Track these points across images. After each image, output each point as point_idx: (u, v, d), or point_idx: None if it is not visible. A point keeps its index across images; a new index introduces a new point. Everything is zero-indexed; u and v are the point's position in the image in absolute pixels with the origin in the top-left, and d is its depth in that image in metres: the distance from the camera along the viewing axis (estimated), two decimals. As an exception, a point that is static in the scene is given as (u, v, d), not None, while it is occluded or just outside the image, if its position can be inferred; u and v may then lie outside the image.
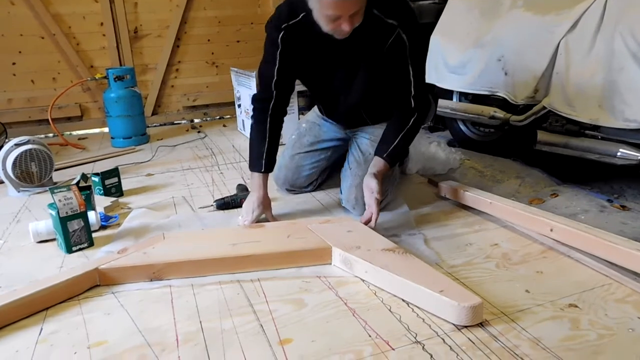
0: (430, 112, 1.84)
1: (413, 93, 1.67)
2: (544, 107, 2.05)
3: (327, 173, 2.12)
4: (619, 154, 1.85)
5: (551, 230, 1.52)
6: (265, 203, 1.75)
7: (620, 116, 1.76)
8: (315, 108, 2.10)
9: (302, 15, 1.60)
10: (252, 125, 1.79)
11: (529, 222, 1.61)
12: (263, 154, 1.74)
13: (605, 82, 1.79)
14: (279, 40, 1.65)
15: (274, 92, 1.73)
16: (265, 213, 1.76)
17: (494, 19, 2.29)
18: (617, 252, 1.36)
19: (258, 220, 1.74)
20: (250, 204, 1.74)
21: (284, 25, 1.64)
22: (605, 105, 1.81)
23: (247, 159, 1.82)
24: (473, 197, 1.81)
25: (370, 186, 1.63)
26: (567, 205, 1.88)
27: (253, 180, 1.77)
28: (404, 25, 1.59)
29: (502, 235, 1.62)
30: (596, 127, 1.94)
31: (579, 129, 2.00)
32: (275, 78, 1.71)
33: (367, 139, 1.88)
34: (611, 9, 1.80)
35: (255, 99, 1.79)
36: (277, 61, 1.68)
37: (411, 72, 1.65)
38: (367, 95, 1.78)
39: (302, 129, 2.07)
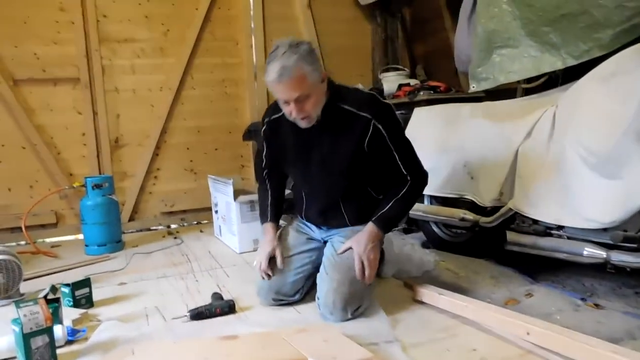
0: (425, 181, 1.92)
1: (405, 173, 1.81)
2: (511, 209, 2.14)
3: (312, 282, 2.00)
4: (585, 252, 1.90)
5: (528, 333, 1.52)
6: (274, 242, 1.95)
7: (581, 216, 1.85)
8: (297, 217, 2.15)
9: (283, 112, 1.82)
10: (258, 191, 2.13)
11: (505, 326, 1.61)
12: (268, 206, 2.03)
13: (562, 185, 1.90)
14: (262, 132, 1.98)
15: (265, 171, 2.08)
16: (276, 250, 1.92)
17: (456, 127, 2.46)
18: (594, 356, 1.36)
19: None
20: (261, 245, 1.98)
21: (266, 120, 1.95)
22: (566, 207, 1.90)
23: (222, 265, 1.85)
24: (449, 300, 1.81)
25: (355, 247, 1.77)
26: (543, 305, 1.90)
27: (263, 230, 2.03)
28: (377, 115, 1.73)
29: (480, 339, 1.61)
30: (561, 227, 2.02)
31: (545, 229, 2.07)
32: (264, 161, 2.06)
33: (343, 242, 1.88)
34: (560, 119, 1.97)
35: (258, 169, 2.16)
36: (265, 148, 2.02)
37: (397, 157, 1.78)
38: (347, 187, 1.88)
39: (283, 233, 2.06)
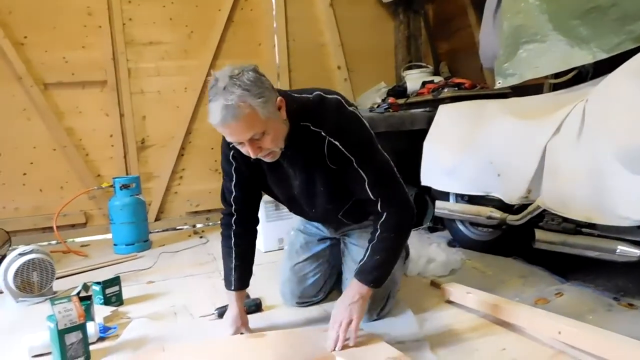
0: (408, 214, 1.57)
1: (374, 198, 1.53)
2: (539, 207, 2.10)
3: (335, 278, 2.01)
4: (617, 251, 1.85)
5: (559, 333, 1.49)
6: (239, 322, 1.67)
7: (613, 214, 1.80)
8: None
9: None
10: (221, 243, 1.75)
11: (536, 325, 1.58)
12: (232, 271, 1.69)
13: (593, 181, 1.85)
14: (231, 157, 1.63)
15: (234, 206, 1.69)
16: (242, 330, 1.67)
17: (482, 124, 2.42)
18: (630, 358, 1.32)
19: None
20: (226, 321, 1.69)
21: (232, 145, 1.52)
22: (597, 204, 1.86)
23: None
24: (477, 299, 1.79)
25: (335, 317, 1.51)
26: (574, 305, 1.85)
27: (228, 299, 1.72)
28: (330, 130, 1.48)
29: (509, 339, 1.58)
30: (592, 225, 1.97)
31: (575, 226, 2.03)
32: (234, 193, 1.68)
33: (355, 245, 1.84)
34: (590, 114, 1.92)
35: (221, 215, 1.76)
36: (234, 177, 1.66)
37: (365, 178, 1.51)
38: (334, 204, 1.69)
39: (291, 237, 2.04)
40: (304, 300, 1.96)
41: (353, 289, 1.52)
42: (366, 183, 1.51)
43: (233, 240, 1.70)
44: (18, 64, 3.35)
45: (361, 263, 1.54)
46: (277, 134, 1.42)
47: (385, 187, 1.53)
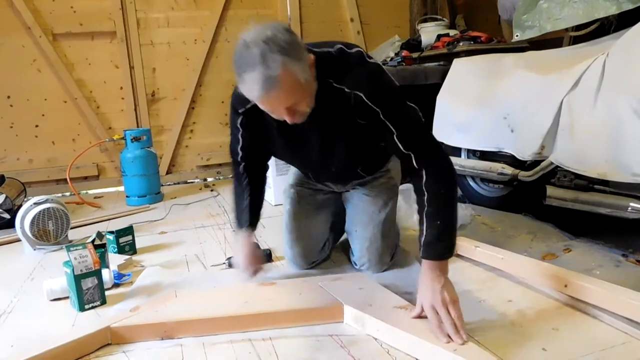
0: (447, 163, 1.43)
1: (405, 152, 1.40)
2: (552, 163, 2.08)
3: (338, 235, 2.00)
4: (629, 208, 1.84)
5: (565, 286, 1.51)
6: (253, 259, 1.71)
7: (628, 171, 1.77)
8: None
9: None
10: (233, 184, 1.76)
11: (542, 278, 1.60)
12: (243, 211, 1.70)
13: (609, 138, 1.82)
14: (239, 124, 1.58)
15: (242, 164, 1.69)
16: (258, 271, 1.72)
17: (497, 79, 2.37)
18: (636, 309, 1.34)
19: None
20: (240, 261, 1.71)
21: (241, 110, 1.53)
22: (612, 161, 1.83)
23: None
24: (485, 253, 1.80)
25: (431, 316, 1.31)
26: (581, 261, 1.86)
27: (238, 238, 1.72)
28: (352, 86, 1.38)
29: (515, 292, 1.60)
30: (605, 182, 1.95)
31: (588, 183, 2.01)
32: (240, 154, 1.67)
33: (366, 195, 1.80)
34: (610, 68, 1.86)
35: (231, 162, 1.74)
36: (240, 141, 1.63)
37: (393, 130, 1.39)
38: (355, 161, 1.66)
39: (292, 195, 1.89)
40: (313, 260, 1.89)
41: (429, 273, 1.35)
42: (395, 135, 1.39)
43: (246, 183, 1.70)
44: (26, 13, 3.31)
45: (423, 238, 1.37)
46: (312, 94, 1.35)
47: (416, 138, 1.41)
